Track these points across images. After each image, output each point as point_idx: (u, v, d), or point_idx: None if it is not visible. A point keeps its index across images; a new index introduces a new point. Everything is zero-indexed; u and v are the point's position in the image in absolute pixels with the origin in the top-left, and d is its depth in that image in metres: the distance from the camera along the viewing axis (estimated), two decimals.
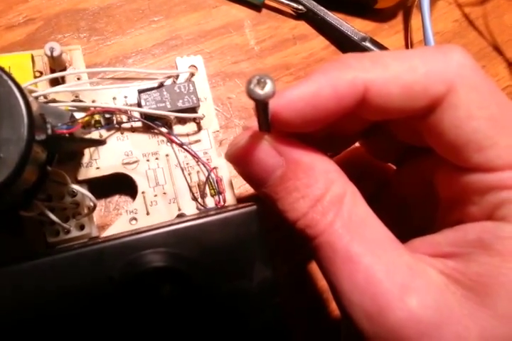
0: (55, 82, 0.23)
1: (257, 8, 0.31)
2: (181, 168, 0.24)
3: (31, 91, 0.21)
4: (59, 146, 0.18)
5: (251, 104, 0.14)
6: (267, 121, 0.15)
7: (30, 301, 0.17)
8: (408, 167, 0.21)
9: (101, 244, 0.17)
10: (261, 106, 0.14)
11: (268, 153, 0.16)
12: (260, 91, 0.13)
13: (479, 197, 0.16)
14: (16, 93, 0.16)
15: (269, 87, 0.13)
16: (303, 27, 0.32)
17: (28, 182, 0.18)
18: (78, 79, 0.23)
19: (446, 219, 0.18)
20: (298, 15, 0.32)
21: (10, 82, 0.16)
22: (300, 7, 0.31)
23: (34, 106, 0.17)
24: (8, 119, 0.16)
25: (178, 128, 0.24)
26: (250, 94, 0.13)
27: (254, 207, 0.18)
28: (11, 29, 0.26)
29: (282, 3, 0.31)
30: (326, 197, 0.16)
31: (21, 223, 0.21)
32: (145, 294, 0.16)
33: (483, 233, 0.16)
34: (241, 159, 0.17)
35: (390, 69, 0.16)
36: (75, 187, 0.20)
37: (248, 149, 0.16)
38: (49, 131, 0.18)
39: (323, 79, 0.15)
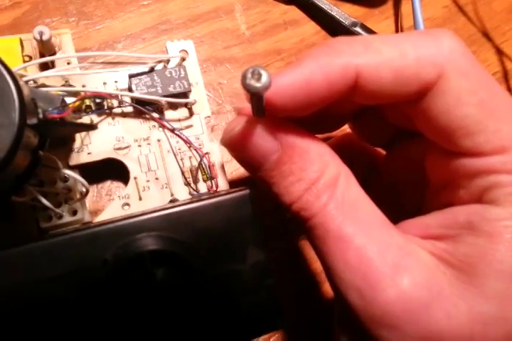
0: (44, 67, 0.23)
1: None
2: (173, 153, 0.24)
3: (21, 76, 0.21)
4: (50, 131, 0.18)
5: (242, 90, 0.14)
6: (262, 107, 0.15)
7: (22, 286, 0.17)
8: (398, 151, 0.22)
9: (94, 228, 0.17)
10: (256, 96, 0.14)
11: (264, 137, 0.16)
12: (257, 84, 0.13)
13: (468, 181, 0.17)
14: (6, 77, 0.16)
15: (265, 79, 0.13)
16: (294, 12, 0.31)
17: (20, 167, 0.17)
18: (68, 63, 0.23)
19: (435, 202, 0.19)
20: (288, 0, 0.32)
21: (0, 66, 0.16)
22: None
23: (25, 91, 0.17)
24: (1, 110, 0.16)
25: (169, 114, 0.24)
26: (247, 88, 0.13)
27: (247, 191, 0.18)
28: None
29: None
30: (321, 180, 0.16)
31: (13, 208, 0.21)
32: (139, 277, 0.16)
33: (471, 215, 0.16)
34: (237, 144, 0.17)
35: (381, 54, 0.16)
36: (67, 172, 0.20)
37: (244, 134, 0.16)
38: (40, 116, 0.18)
39: (314, 65, 0.15)
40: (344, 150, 0.23)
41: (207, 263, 0.17)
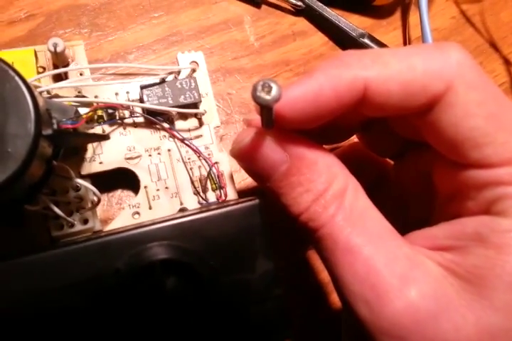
0: (58, 78, 0.23)
1: (256, 4, 0.31)
2: (183, 162, 0.24)
3: (36, 87, 0.21)
4: (64, 141, 0.18)
5: (251, 100, 0.14)
6: (271, 119, 0.15)
7: (35, 294, 0.17)
8: (406, 161, 0.22)
9: (105, 237, 0.18)
10: (266, 108, 0.14)
11: (273, 149, 0.17)
12: (267, 97, 0.13)
13: (476, 193, 0.17)
14: (22, 89, 0.17)
15: (275, 92, 0.13)
16: (302, 23, 0.32)
17: (35, 176, 0.18)
18: (81, 74, 0.24)
19: (443, 213, 0.19)
20: (297, 12, 0.32)
21: (17, 78, 0.16)
22: (299, 3, 0.31)
23: (40, 102, 0.17)
24: (15, 115, 0.16)
25: (179, 124, 0.25)
26: (257, 100, 0.13)
27: (257, 200, 0.19)
28: (12, 24, 0.26)
29: None
30: (329, 191, 0.16)
31: (26, 217, 0.21)
32: (150, 286, 0.17)
33: (480, 227, 0.16)
34: (246, 155, 0.17)
35: (390, 68, 0.16)
36: (79, 181, 0.20)
37: (253, 146, 0.17)
38: (55, 126, 0.18)
39: (323, 79, 0.16)
40: (351, 160, 0.23)
41: (216, 272, 0.17)
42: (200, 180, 0.24)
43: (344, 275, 0.16)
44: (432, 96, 0.16)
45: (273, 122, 0.16)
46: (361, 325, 0.16)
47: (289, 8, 0.32)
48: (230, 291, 0.18)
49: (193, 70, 0.25)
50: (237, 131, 0.28)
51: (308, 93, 0.16)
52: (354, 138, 0.24)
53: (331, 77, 0.16)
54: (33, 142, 0.16)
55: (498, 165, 0.16)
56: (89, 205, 0.22)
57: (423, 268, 0.16)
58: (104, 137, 0.22)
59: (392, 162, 0.24)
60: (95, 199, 0.21)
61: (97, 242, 0.17)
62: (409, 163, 0.22)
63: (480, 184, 0.17)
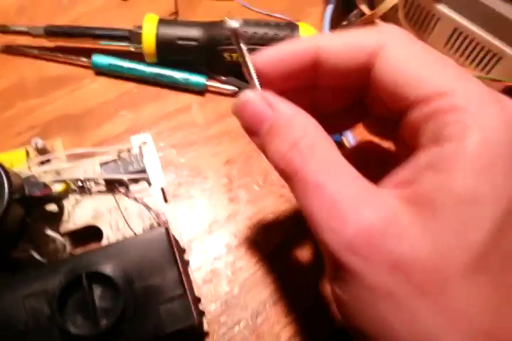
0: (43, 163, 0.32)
1: (201, 93, 0.41)
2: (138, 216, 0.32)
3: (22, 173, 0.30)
4: (34, 203, 0.27)
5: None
6: (255, 78, 0.21)
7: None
8: (398, 139, 0.24)
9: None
10: (235, 38, 0.21)
11: (261, 106, 0.20)
12: (235, 24, 0.20)
13: (424, 127, 0.19)
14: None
15: (238, 21, 0.20)
16: None
17: (13, 227, 0.26)
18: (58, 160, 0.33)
19: None
20: (235, 94, 0.41)
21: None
22: (234, 88, 0.40)
23: (16, 180, 0.26)
24: None
25: (133, 187, 0.33)
26: (228, 27, 0.20)
27: (163, 228, 0.26)
28: (19, 135, 0.37)
29: (219, 87, 0.40)
30: (301, 141, 0.19)
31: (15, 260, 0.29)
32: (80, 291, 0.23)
33: (430, 156, 0.18)
34: (241, 112, 0.21)
35: (337, 37, 0.21)
36: (50, 233, 0.28)
37: (246, 104, 0.21)
38: (26, 193, 0.27)
39: (285, 46, 0.22)
40: (366, 153, 0.28)
41: (130, 281, 0.24)
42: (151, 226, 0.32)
43: (313, 209, 0.18)
44: (369, 52, 0.20)
45: (260, 83, 0.21)
46: (328, 251, 0.18)
47: (228, 92, 0.41)
48: (143, 294, 0.24)
49: (140, 147, 0.34)
50: (188, 189, 0.36)
51: (276, 54, 0.21)
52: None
53: (290, 45, 0.22)
54: (7, 203, 0.25)
55: (435, 98, 0.18)
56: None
57: (380, 198, 0.18)
58: (58, 198, 0.31)
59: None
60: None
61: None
62: (398, 140, 0.24)
63: (425, 119, 0.18)
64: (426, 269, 0.16)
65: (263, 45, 0.39)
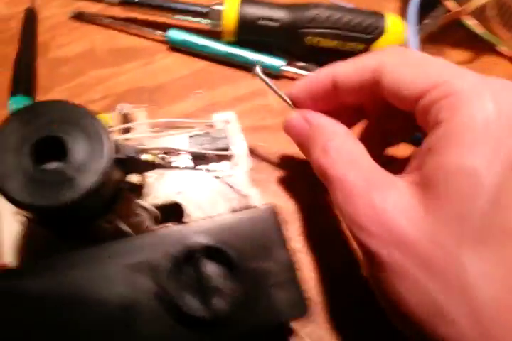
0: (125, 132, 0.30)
1: (276, 78, 0.39)
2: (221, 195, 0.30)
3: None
4: (131, 166, 0.25)
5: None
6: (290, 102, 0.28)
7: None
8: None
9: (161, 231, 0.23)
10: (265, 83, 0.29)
11: (299, 121, 0.27)
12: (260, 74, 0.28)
13: (426, 117, 0.21)
14: (102, 127, 0.23)
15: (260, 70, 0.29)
16: None
17: (109, 192, 0.24)
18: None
19: None
20: None
21: (98, 122, 0.23)
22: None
23: (112, 138, 0.24)
24: (95, 143, 0.22)
25: (216, 165, 0.31)
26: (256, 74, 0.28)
27: (272, 204, 0.23)
28: (91, 102, 0.35)
29: (296, 73, 0.39)
30: (330, 143, 0.24)
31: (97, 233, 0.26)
32: (195, 267, 0.21)
33: (430, 141, 0.20)
34: (287, 131, 0.29)
35: (347, 63, 0.26)
36: (141, 202, 0.26)
37: (288, 121, 0.28)
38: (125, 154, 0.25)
39: (310, 77, 0.28)
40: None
41: (243, 259, 0.22)
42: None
43: (339, 200, 0.22)
44: (372, 70, 0.24)
45: (293, 104, 0.28)
46: (349, 228, 0.21)
47: None
48: (253, 275, 0.22)
49: (227, 122, 0.32)
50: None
51: (304, 84, 0.28)
52: None
53: (314, 75, 0.27)
54: (107, 162, 0.22)
55: (431, 90, 0.21)
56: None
57: (392, 184, 0.21)
58: (162, 166, 0.28)
59: None
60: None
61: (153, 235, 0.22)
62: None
63: (425, 109, 0.21)
64: (429, 246, 0.18)
65: (348, 30, 0.38)
